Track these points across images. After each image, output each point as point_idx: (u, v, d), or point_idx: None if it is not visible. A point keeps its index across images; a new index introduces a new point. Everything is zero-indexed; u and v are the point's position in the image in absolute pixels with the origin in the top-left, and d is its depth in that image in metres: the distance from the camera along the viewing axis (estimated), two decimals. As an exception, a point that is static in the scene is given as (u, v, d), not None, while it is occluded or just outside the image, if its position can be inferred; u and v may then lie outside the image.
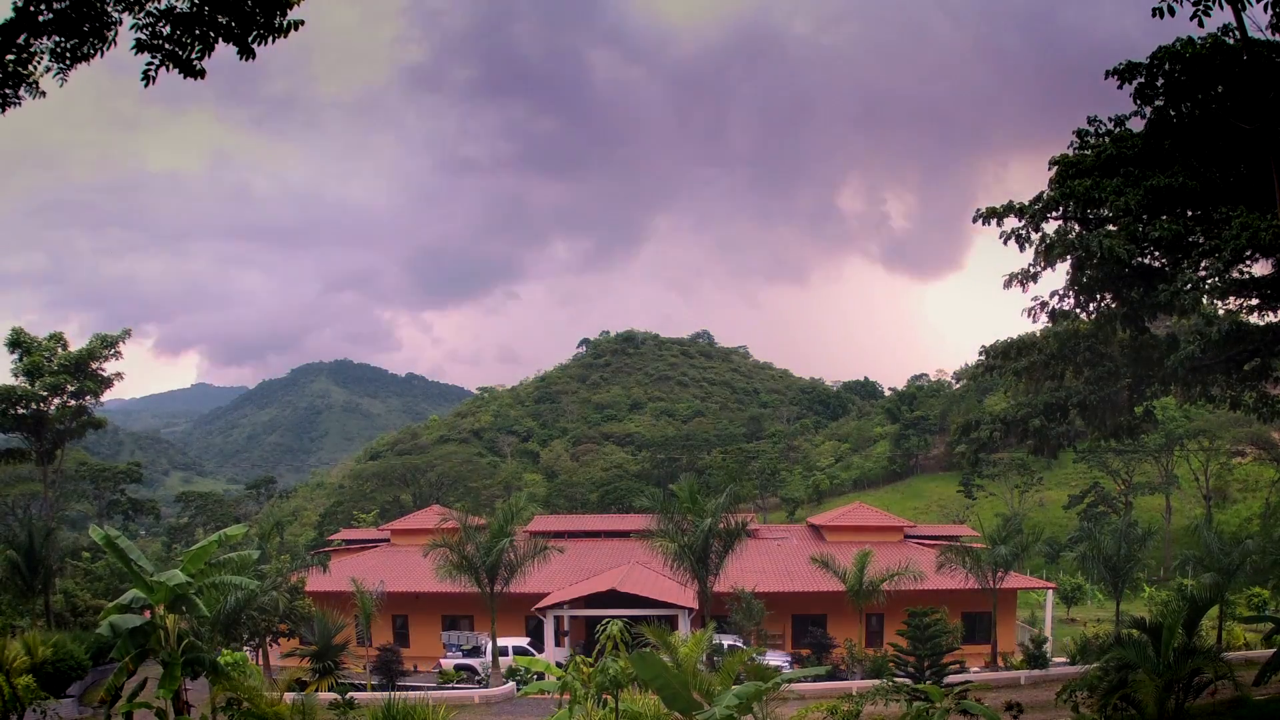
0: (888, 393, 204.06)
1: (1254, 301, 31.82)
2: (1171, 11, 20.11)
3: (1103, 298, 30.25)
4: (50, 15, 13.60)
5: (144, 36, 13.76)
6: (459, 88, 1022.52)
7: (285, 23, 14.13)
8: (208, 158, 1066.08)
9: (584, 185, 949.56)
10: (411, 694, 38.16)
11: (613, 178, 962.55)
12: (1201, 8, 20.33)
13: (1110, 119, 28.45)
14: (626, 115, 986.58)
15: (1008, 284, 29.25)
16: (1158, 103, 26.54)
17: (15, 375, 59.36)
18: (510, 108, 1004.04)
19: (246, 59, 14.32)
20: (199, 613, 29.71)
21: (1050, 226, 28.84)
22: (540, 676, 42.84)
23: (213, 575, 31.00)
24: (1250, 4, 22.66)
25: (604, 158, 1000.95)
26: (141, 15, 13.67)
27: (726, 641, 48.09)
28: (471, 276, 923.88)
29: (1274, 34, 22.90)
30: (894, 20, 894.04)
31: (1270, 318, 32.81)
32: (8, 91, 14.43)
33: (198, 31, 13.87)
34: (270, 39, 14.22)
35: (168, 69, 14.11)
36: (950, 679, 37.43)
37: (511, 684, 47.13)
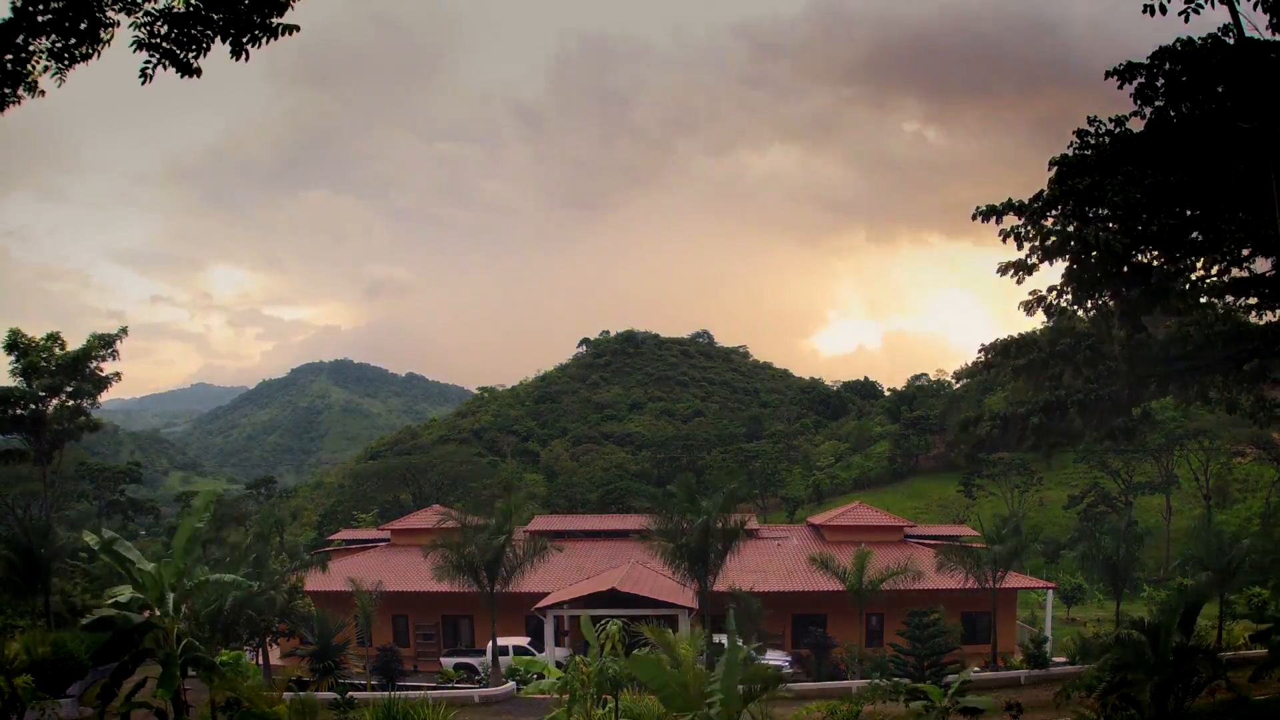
0: (887, 393, 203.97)
1: (1252, 301, 31.86)
2: (1163, 10, 20.12)
3: (1100, 295, 30.30)
4: (49, 15, 13.62)
5: (142, 36, 13.79)
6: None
7: (280, 24, 14.16)
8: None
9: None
10: (411, 694, 38.25)
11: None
12: (1192, 6, 20.31)
13: (1111, 119, 28.49)
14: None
15: (1003, 271, 29.29)
16: (1158, 103, 26.57)
17: (13, 376, 59.38)
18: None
19: (241, 59, 14.36)
20: (192, 609, 29.68)
21: (1049, 224, 28.89)
22: (540, 676, 42.91)
23: (204, 573, 31.03)
24: (1243, 1, 22.69)
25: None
26: (139, 15, 13.71)
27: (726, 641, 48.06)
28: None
29: (1273, 33, 22.92)
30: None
31: (1269, 317, 32.83)
32: (6, 91, 14.45)
33: (194, 31, 13.90)
34: (266, 40, 14.24)
35: (164, 68, 14.14)
36: (950, 678, 37.45)
37: (511, 683, 47.14)
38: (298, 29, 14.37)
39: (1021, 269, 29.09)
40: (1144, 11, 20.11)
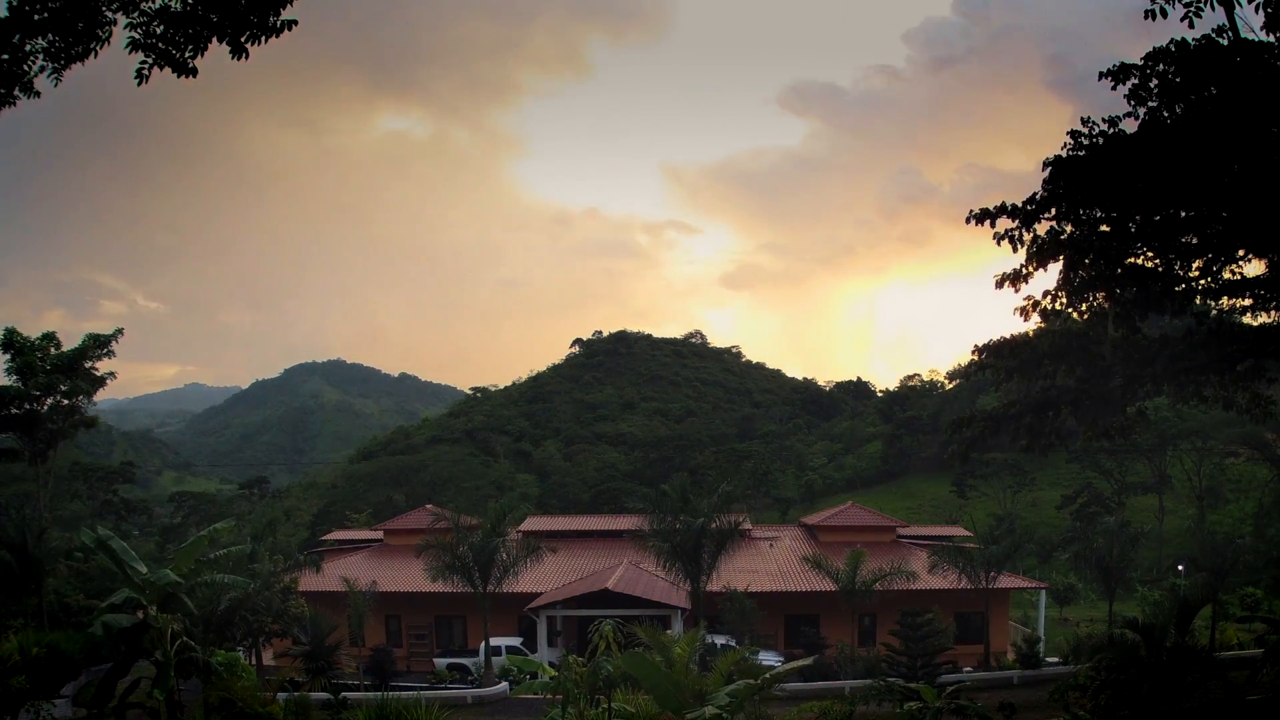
0: (880, 393, 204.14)
1: (1247, 302, 31.88)
2: (1164, 14, 20.17)
3: (1094, 297, 30.29)
4: (45, 15, 13.60)
5: (137, 36, 13.76)
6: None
7: (279, 22, 14.14)
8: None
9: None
10: (404, 694, 38.26)
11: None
12: (1193, 10, 20.38)
13: (1105, 119, 28.49)
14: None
15: (999, 284, 29.27)
16: (1151, 104, 26.57)
17: (8, 375, 59.40)
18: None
19: (240, 59, 14.33)
20: (186, 610, 29.71)
21: (1043, 227, 28.88)
22: (533, 676, 42.90)
23: (204, 574, 31.05)
24: (1241, 4, 22.72)
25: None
26: (135, 15, 13.68)
27: (719, 641, 48.12)
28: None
29: (1268, 34, 22.95)
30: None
31: (1264, 318, 32.87)
32: (2, 91, 14.43)
33: (190, 31, 13.88)
34: (264, 39, 14.21)
35: (160, 69, 14.12)
36: (943, 679, 37.51)
37: (504, 684, 47.15)
38: (295, 23, 14.35)
39: (1018, 279, 29.08)
40: (1145, 17, 20.17)
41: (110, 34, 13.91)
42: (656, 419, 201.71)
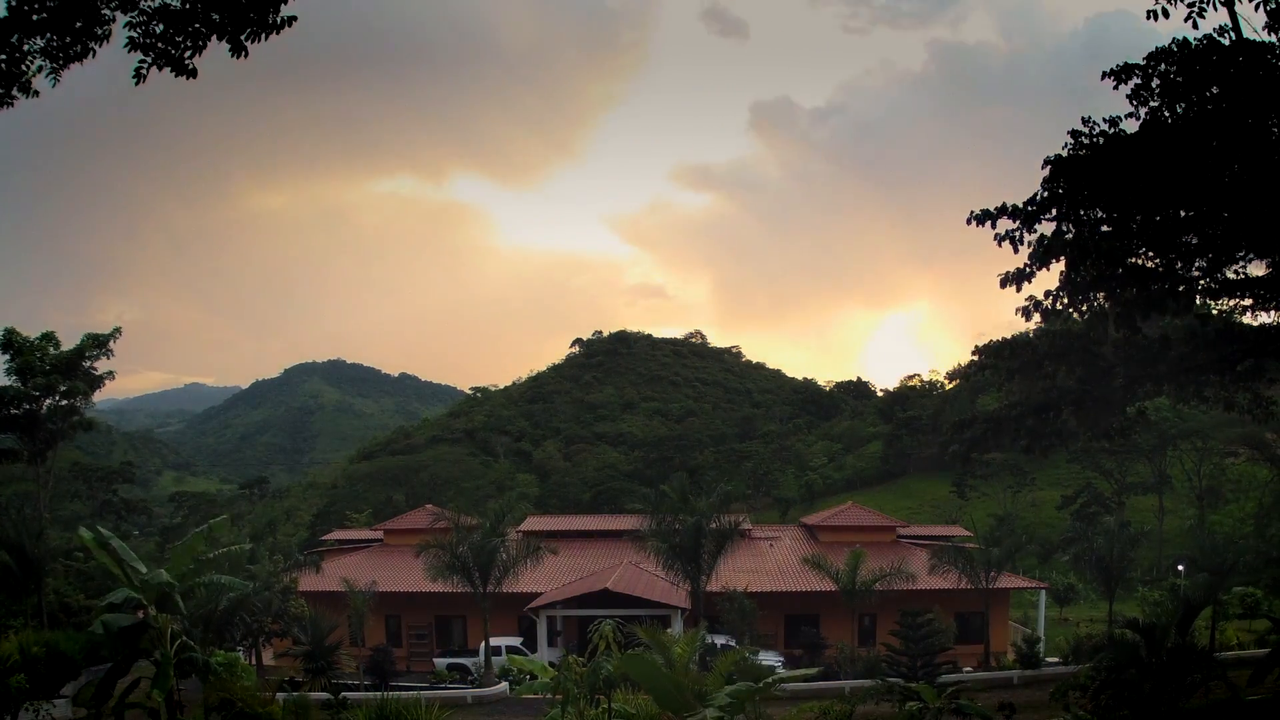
0: (880, 393, 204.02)
1: (1248, 302, 31.87)
2: (1165, 14, 20.15)
3: (1095, 297, 30.26)
4: (43, 14, 13.56)
5: (136, 35, 13.72)
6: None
7: (279, 19, 14.10)
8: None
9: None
10: (404, 694, 38.21)
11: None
12: (1196, 9, 20.36)
13: (1105, 119, 28.45)
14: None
15: (1003, 284, 29.23)
16: (1152, 104, 26.54)
17: (8, 375, 59.37)
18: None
19: (239, 57, 14.29)
20: (179, 610, 29.66)
21: (1044, 227, 28.84)
22: (533, 677, 42.88)
23: (204, 574, 31.02)
24: (1243, 2, 22.71)
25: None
26: (134, 14, 13.64)
27: (719, 641, 48.07)
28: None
29: (1269, 34, 22.93)
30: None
31: (1264, 318, 32.87)
32: (0, 92, 14.39)
33: (190, 29, 13.83)
34: (264, 36, 14.18)
35: (159, 68, 14.07)
36: (943, 679, 37.45)
37: (504, 684, 47.13)
38: (295, 19, 14.30)
39: (1020, 279, 29.03)
40: (1148, 17, 20.17)
41: (109, 33, 13.87)
42: (656, 419, 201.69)
